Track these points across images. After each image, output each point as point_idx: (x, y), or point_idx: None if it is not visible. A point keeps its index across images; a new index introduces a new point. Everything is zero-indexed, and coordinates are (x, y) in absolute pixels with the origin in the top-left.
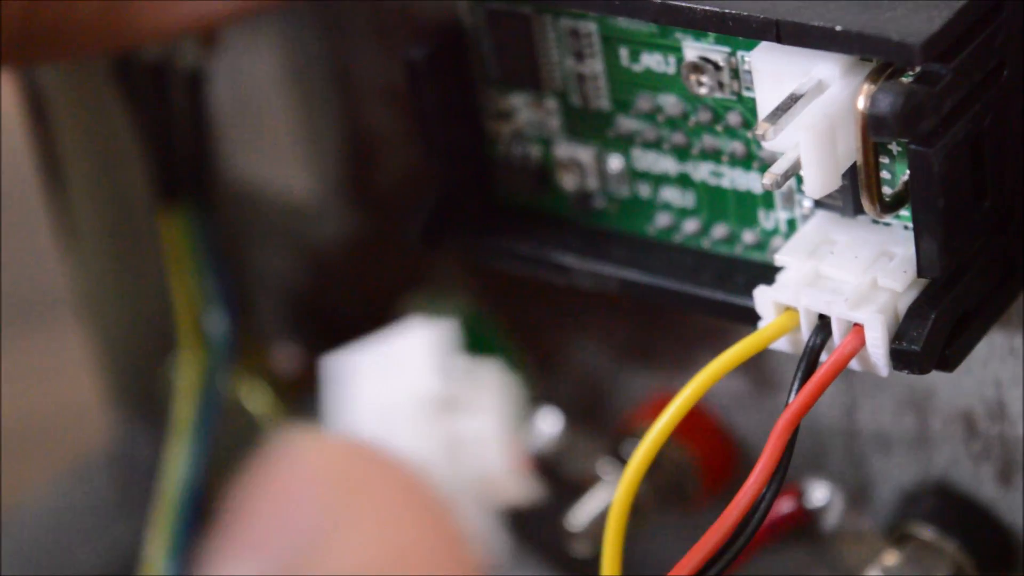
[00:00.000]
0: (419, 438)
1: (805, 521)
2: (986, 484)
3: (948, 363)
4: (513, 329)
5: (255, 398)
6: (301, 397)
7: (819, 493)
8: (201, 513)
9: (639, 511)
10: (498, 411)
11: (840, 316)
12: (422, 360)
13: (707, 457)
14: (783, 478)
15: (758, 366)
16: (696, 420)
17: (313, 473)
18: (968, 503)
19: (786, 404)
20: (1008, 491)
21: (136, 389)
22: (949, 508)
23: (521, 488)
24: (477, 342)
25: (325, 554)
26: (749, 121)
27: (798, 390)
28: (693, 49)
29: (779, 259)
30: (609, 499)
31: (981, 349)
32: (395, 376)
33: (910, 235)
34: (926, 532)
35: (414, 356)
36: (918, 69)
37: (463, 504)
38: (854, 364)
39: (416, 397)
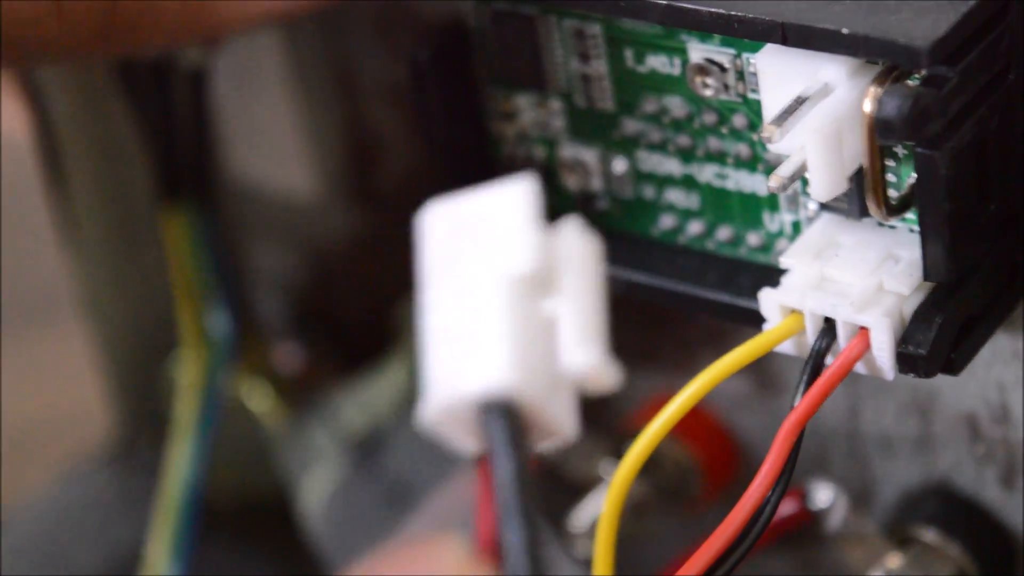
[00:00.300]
0: (514, 320)
1: (808, 523)
2: (989, 487)
3: (953, 367)
4: None
5: (257, 397)
6: (303, 396)
7: (822, 495)
8: (202, 513)
9: (640, 512)
10: (585, 289)
11: (846, 319)
12: (515, 230)
13: (709, 458)
14: (788, 481)
15: (762, 368)
16: (699, 421)
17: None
18: (971, 506)
19: (791, 407)
20: (1011, 494)
21: (138, 388)
22: (952, 511)
23: (608, 374)
24: None
25: None
26: (754, 123)
27: (803, 393)
28: (698, 51)
29: (784, 261)
30: None
31: (985, 352)
32: (488, 244)
33: (916, 238)
34: (929, 535)
35: (506, 224)
36: (924, 72)
37: (552, 388)
38: (859, 367)
39: (510, 275)
